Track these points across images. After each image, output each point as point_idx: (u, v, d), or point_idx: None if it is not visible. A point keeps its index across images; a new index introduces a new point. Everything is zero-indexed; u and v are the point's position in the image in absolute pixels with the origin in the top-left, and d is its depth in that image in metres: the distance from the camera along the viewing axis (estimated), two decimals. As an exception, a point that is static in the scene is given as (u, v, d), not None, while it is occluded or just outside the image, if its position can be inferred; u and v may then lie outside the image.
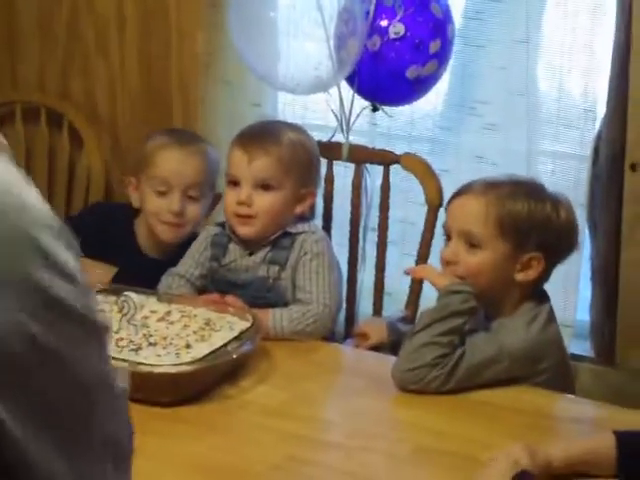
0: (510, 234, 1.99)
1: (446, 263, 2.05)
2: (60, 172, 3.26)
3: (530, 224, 2.00)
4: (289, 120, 2.67)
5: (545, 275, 2.05)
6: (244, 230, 2.29)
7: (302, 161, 2.33)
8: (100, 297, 2.14)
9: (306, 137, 2.39)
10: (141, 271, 2.35)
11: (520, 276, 2.01)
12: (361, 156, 2.65)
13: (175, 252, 2.43)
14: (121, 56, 3.18)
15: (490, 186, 2.03)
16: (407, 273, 2.22)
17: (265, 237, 2.30)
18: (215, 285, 2.33)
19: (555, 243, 2.03)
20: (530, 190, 2.04)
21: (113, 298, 2.09)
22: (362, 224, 2.66)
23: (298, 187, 2.32)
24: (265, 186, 2.28)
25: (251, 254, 2.31)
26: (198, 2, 2.99)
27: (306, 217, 2.37)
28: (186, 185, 2.44)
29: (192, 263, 2.37)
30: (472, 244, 2.01)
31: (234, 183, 2.31)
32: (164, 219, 2.45)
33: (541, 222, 2.00)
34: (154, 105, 3.17)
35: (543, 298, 2.05)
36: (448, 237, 2.07)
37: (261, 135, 2.33)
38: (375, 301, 2.64)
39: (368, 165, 2.66)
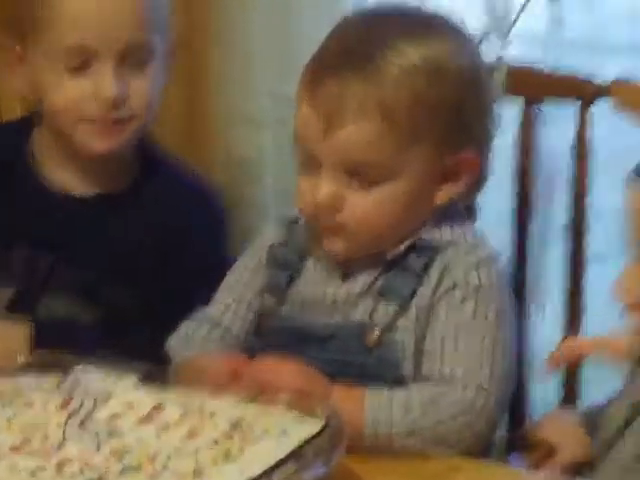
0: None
1: None
2: None
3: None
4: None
5: None
6: (331, 245, 1.64)
7: (443, 103, 1.57)
8: (23, 379, 1.51)
9: (453, 45, 1.61)
10: (58, 227, 1.87)
11: None
12: (532, 87, 1.95)
13: (129, 180, 1.89)
14: None
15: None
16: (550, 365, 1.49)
17: (370, 252, 1.62)
18: (270, 338, 1.68)
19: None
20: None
21: (50, 378, 1.50)
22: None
23: (437, 156, 1.58)
24: (359, 175, 1.58)
25: (345, 278, 1.63)
26: None
27: (457, 212, 1.65)
28: (121, 46, 1.85)
29: (239, 297, 1.72)
30: None
31: (308, 163, 1.61)
32: (90, 114, 1.86)
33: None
34: None
35: None
36: None
37: (351, 64, 1.56)
38: (567, 376, 1.86)
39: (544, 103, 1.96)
